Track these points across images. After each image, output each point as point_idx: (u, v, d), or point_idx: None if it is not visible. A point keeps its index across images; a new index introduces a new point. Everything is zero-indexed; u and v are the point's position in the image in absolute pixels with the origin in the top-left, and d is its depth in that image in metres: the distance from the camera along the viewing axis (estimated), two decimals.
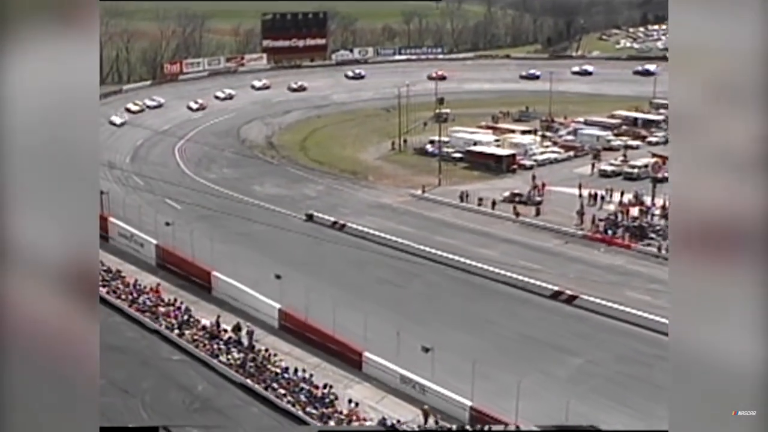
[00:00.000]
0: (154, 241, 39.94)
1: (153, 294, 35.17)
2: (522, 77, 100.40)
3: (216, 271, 36.61)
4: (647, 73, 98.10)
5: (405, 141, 70.49)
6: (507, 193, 52.30)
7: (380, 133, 75.15)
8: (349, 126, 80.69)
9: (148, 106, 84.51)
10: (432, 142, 66.26)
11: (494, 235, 46.43)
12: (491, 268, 39.47)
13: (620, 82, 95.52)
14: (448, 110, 76.80)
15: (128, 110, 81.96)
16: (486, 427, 24.85)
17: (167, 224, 39.83)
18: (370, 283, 38.62)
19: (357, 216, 49.77)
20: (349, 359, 30.04)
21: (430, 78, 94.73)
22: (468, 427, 25.30)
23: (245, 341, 30.97)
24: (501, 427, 24.96)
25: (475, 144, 65.06)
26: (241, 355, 29.93)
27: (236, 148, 72.23)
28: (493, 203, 50.86)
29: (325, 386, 27.58)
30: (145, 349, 31.23)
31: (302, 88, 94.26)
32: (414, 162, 65.39)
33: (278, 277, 32.99)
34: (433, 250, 42.23)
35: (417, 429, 25.24)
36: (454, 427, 25.42)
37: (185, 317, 32.99)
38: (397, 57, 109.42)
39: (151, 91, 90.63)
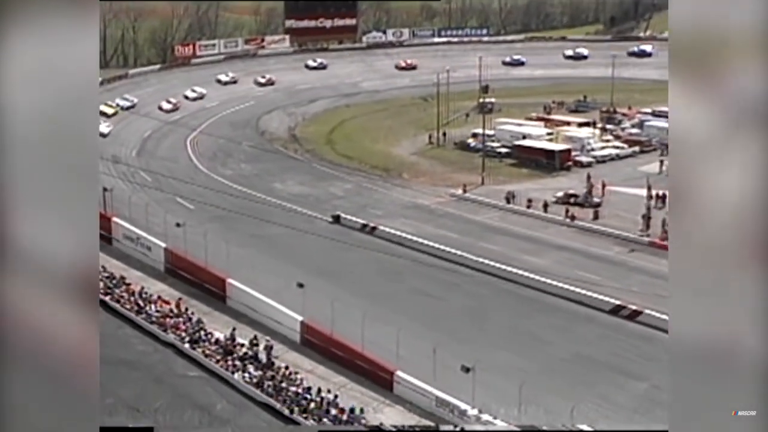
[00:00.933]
0: (163, 244, 40.52)
1: (161, 304, 35.65)
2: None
3: (231, 278, 37.01)
4: (643, 54, 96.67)
5: (444, 134, 70.47)
6: (560, 194, 52.08)
7: (416, 125, 75.29)
8: (381, 117, 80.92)
9: (122, 107, 79.85)
10: (475, 135, 66.14)
11: (546, 242, 46.23)
12: (542, 279, 39.34)
13: None
14: (493, 99, 76.32)
15: (104, 114, 74.65)
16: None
17: (178, 225, 40.30)
18: (404, 294, 38.70)
19: (389, 218, 49.92)
20: (380, 379, 30.15)
21: (398, 68, 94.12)
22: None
23: (263, 357, 31.26)
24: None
25: (524, 138, 64.81)
26: (259, 372, 30.20)
27: (255, 140, 72.91)
28: (545, 205, 50.62)
29: (351, 409, 27.68)
30: (158, 363, 31.84)
31: (270, 82, 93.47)
32: (454, 158, 65.39)
33: (301, 285, 33.18)
34: (476, 258, 42.16)
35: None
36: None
37: (197, 329, 33.38)
38: (436, 39, 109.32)
39: (160, 76, 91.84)
